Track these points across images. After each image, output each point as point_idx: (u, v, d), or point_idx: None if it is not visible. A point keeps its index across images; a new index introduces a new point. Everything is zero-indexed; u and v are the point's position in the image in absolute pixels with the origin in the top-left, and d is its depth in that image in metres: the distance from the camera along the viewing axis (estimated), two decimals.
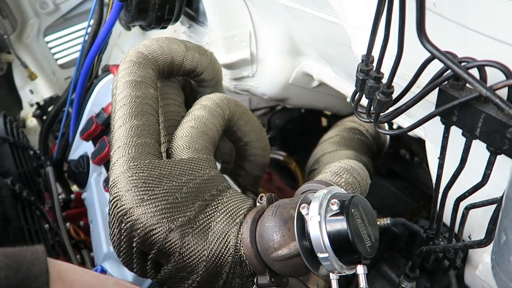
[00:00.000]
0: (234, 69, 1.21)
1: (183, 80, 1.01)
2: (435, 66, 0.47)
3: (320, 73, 1.10)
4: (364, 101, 0.59)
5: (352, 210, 0.49)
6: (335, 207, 0.49)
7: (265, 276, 0.56)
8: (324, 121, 1.65)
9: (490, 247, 0.57)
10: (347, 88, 1.03)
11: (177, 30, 1.56)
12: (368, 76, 0.54)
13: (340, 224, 0.48)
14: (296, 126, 1.51)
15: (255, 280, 0.58)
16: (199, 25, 1.26)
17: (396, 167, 1.37)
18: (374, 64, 0.54)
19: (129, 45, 1.81)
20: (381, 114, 0.55)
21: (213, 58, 0.96)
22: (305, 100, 1.29)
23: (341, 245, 0.48)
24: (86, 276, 0.46)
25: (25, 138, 1.08)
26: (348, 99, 1.13)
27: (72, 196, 1.20)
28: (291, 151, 1.49)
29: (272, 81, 1.20)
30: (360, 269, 0.50)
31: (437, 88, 0.48)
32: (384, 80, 0.53)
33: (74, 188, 1.35)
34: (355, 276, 0.91)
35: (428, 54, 0.46)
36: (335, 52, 0.93)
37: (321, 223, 0.49)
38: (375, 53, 0.54)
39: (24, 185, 0.87)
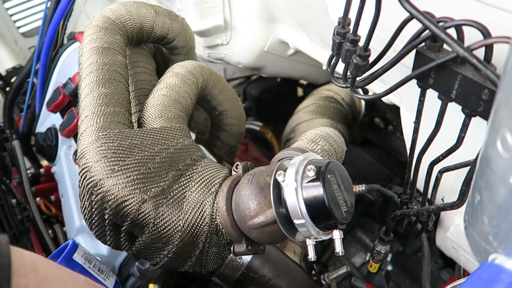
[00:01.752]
0: (207, 37, 1.17)
1: (154, 48, 0.97)
2: (411, 30, 0.46)
3: (296, 40, 1.07)
4: (340, 68, 0.58)
5: (329, 176, 0.49)
6: (311, 173, 0.48)
7: (242, 244, 0.56)
8: (300, 91, 1.64)
9: (461, 210, 0.59)
10: (323, 55, 1.01)
11: None
12: (345, 39, 0.52)
13: (317, 190, 0.48)
14: (272, 96, 1.50)
15: (231, 249, 0.57)
16: None
17: (370, 135, 1.39)
18: (351, 27, 0.53)
19: (97, 12, 1.71)
20: (358, 78, 0.54)
21: (185, 24, 0.92)
22: (281, 69, 1.27)
23: (318, 211, 0.48)
24: (59, 271, 0.43)
25: None
26: (324, 67, 1.12)
27: (42, 170, 1.16)
28: (267, 121, 1.48)
29: (247, 49, 1.17)
30: (336, 234, 0.50)
31: (414, 52, 0.47)
32: (361, 44, 0.52)
33: (44, 162, 1.30)
34: (331, 242, 0.93)
35: (405, 16, 0.44)
36: (311, 18, 0.90)
37: (297, 189, 0.48)
38: (352, 15, 0.53)
39: None
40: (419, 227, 0.74)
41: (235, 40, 1.16)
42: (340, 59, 0.54)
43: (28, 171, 1.12)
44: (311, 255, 0.52)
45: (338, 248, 0.50)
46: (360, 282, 0.91)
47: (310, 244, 0.52)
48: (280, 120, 1.57)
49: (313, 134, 0.70)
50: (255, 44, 1.14)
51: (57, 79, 1.09)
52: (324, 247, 0.93)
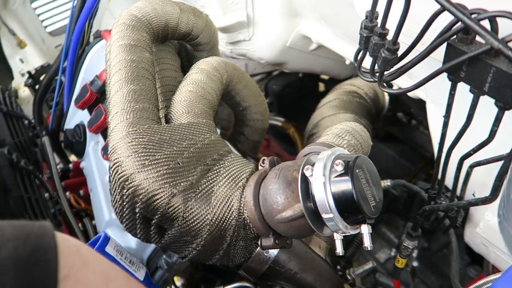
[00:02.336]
0: (230, 33, 1.17)
1: (178, 44, 0.98)
2: (442, 22, 0.46)
3: (319, 35, 1.07)
4: (367, 62, 0.57)
5: (357, 171, 0.49)
6: (339, 168, 0.49)
7: (269, 238, 0.57)
8: (321, 86, 1.63)
9: (492, 205, 0.58)
10: (347, 50, 1.01)
11: None
12: (373, 33, 0.52)
13: (345, 185, 0.48)
14: (294, 91, 1.50)
15: (259, 242, 0.58)
16: None
17: (393, 130, 1.37)
18: (379, 21, 0.52)
19: (120, 10, 1.74)
20: (385, 72, 0.54)
21: (209, 20, 0.93)
22: (303, 64, 1.26)
23: (346, 205, 0.48)
24: (100, 256, 0.44)
25: (19, 107, 1.06)
26: (348, 62, 1.11)
27: (70, 165, 1.19)
28: (288, 117, 1.48)
29: (269, 45, 1.17)
30: (365, 229, 0.50)
31: (444, 44, 0.46)
32: (389, 37, 0.51)
33: (72, 157, 1.34)
34: (355, 237, 0.93)
35: (435, 8, 0.44)
36: (335, 12, 0.90)
37: (325, 184, 0.49)
38: (379, 9, 0.52)
39: (21, 155, 0.86)
40: (446, 223, 0.73)
41: (258, 36, 1.17)
42: (368, 53, 0.54)
43: (58, 166, 1.15)
44: (339, 249, 0.52)
45: (367, 242, 0.50)
46: (385, 277, 0.90)
47: (338, 238, 0.52)
48: (301, 115, 1.56)
49: (339, 129, 0.70)
50: (277, 39, 1.14)
51: (84, 77, 1.12)
52: (349, 242, 0.93)
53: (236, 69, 0.86)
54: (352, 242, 0.94)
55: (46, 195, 0.85)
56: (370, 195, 0.50)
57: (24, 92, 1.57)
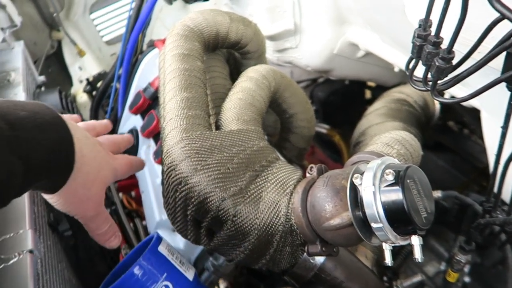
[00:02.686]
0: (277, 41, 1.19)
1: (227, 53, 1.01)
2: (500, 30, 0.44)
3: (367, 42, 1.06)
4: (418, 71, 0.57)
5: (408, 181, 0.48)
6: (390, 177, 0.48)
7: (316, 245, 0.57)
8: (368, 93, 1.61)
9: None
10: (396, 57, 0.99)
11: (218, 3, 1.55)
12: (426, 41, 0.51)
13: (396, 195, 0.48)
14: (339, 99, 1.49)
15: (305, 249, 0.59)
16: None
17: (444, 139, 1.32)
18: (432, 29, 0.52)
19: (171, 19, 1.82)
20: (439, 82, 0.53)
21: (257, 29, 0.95)
22: (349, 71, 1.26)
23: (396, 215, 0.48)
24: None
25: (79, 112, 1.13)
26: (396, 69, 1.09)
27: None
28: (333, 124, 1.48)
29: (316, 52, 1.17)
30: (415, 240, 0.49)
31: (503, 53, 0.45)
32: (443, 46, 0.50)
33: None
34: (402, 248, 0.91)
35: (493, 16, 0.43)
36: (385, 19, 0.89)
37: (375, 193, 0.48)
38: (433, 17, 0.52)
39: None
40: (502, 238, 0.69)
41: (304, 43, 1.17)
42: (420, 62, 0.53)
43: None
44: (388, 260, 0.52)
45: (418, 254, 0.49)
46: None
47: (387, 248, 0.52)
48: (347, 123, 1.55)
49: (388, 137, 0.69)
50: (324, 47, 1.14)
51: (137, 84, 1.17)
52: (396, 253, 0.91)
53: (284, 76, 0.88)
54: (399, 253, 0.91)
55: None
56: (421, 206, 0.49)
57: (82, 98, 1.67)
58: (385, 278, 0.78)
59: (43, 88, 1.19)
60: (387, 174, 0.48)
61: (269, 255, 0.62)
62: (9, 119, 0.44)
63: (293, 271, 0.63)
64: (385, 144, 0.67)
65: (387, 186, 0.48)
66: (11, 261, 0.53)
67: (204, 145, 0.62)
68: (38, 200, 0.70)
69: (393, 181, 0.48)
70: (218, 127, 0.71)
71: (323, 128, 1.42)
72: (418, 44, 0.53)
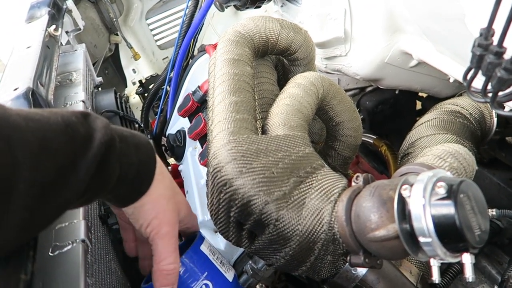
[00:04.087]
0: (327, 48, 1.19)
1: (275, 59, 1.02)
2: None
3: (421, 51, 1.03)
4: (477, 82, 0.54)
5: (461, 196, 0.46)
6: (441, 191, 0.46)
7: (359, 256, 0.56)
8: (418, 105, 1.55)
9: None
10: (451, 67, 0.95)
11: (268, 10, 1.57)
12: (487, 51, 0.49)
13: (447, 209, 0.46)
14: (388, 109, 1.45)
15: (348, 259, 0.58)
16: (292, 3, 1.25)
17: (500, 155, 1.25)
18: (494, 38, 0.49)
19: (222, 26, 1.87)
20: (500, 93, 0.50)
21: (308, 36, 0.95)
22: (400, 81, 1.22)
23: (447, 231, 0.46)
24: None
25: (132, 112, 1.19)
26: (451, 80, 1.05)
27: (169, 168, 1.30)
28: (380, 134, 1.44)
29: (366, 61, 1.15)
30: (467, 258, 0.47)
31: None
32: (506, 56, 0.48)
33: (171, 161, 1.45)
34: (449, 266, 0.87)
35: None
36: (441, 28, 0.86)
37: (425, 206, 0.47)
38: (495, 25, 0.49)
39: None
40: None
41: (355, 51, 1.16)
42: (480, 72, 0.51)
43: None
44: (435, 277, 0.50)
45: (469, 273, 0.46)
46: None
47: (435, 264, 0.50)
48: (395, 134, 1.51)
49: (441, 150, 0.66)
50: (375, 55, 1.12)
51: (187, 87, 1.21)
52: (442, 271, 0.87)
53: (332, 84, 0.87)
54: (446, 271, 0.87)
55: None
56: (475, 223, 0.47)
57: (134, 99, 1.75)
58: None
59: (100, 89, 1.26)
60: (439, 187, 0.47)
61: (310, 262, 0.61)
62: (118, 134, 0.55)
63: (333, 281, 0.62)
64: (436, 156, 0.64)
65: (438, 199, 0.47)
66: (65, 249, 0.56)
67: (250, 148, 0.63)
68: None
69: (445, 195, 0.46)
70: (264, 132, 0.72)
71: (369, 138, 1.38)
72: (478, 53, 0.51)
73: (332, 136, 0.93)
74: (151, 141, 0.64)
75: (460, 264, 0.49)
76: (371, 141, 1.36)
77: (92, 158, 0.48)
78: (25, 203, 0.40)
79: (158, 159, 0.64)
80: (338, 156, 0.94)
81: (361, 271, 0.61)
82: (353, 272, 0.61)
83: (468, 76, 0.56)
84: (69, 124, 0.47)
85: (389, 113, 1.44)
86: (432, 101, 1.37)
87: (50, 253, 0.56)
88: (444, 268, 0.88)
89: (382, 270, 0.61)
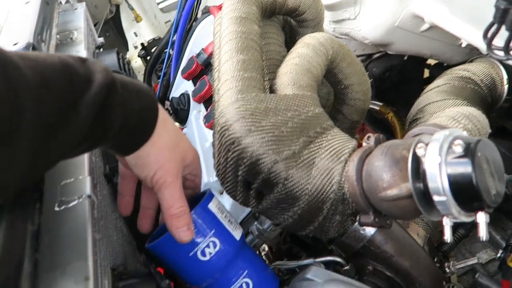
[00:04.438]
0: (335, 10, 1.15)
1: (283, 20, 0.99)
2: None
3: (433, 14, 0.99)
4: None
5: (478, 154, 0.45)
6: (458, 149, 0.45)
7: (369, 216, 0.55)
8: (426, 72, 1.52)
9: None
10: (466, 31, 0.92)
11: None
12: None
13: (464, 168, 0.44)
14: (395, 75, 1.42)
15: (357, 219, 0.57)
16: None
17: (508, 124, 1.23)
18: None
19: None
20: None
21: None
22: (410, 46, 1.19)
23: (462, 189, 0.45)
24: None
25: (134, 74, 1.16)
26: (464, 44, 1.02)
27: None
28: (387, 102, 1.41)
29: (376, 24, 1.12)
30: (481, 217, 0.46)
31: None
32: None
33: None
34: (455, 231, 0.87)
35: None
36: None
37: (441, 164, 0.46)
38: None
39: None
40: None
41: (364, 14, 1.12)
42: (504, 27, 0.49)
43: None
44: (447, 236, 0.49)
45: (482, 232, 0.46)
46: (486, 279, 0.83)
47: (447, 224, 0.49)
48: (402, 101, 1.48)
49: (454, 112, 0.65)
50: (385, 18, 1.08)
51: (191, 50, 1.18)
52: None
53: (342, 46, 0.84)
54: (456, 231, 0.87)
55: None
56: (491, 183, 0.46)
57: (136, 63, 1.72)
58: (435, 259, 0.75)
59: (101, 49, 1.22)
60: (456, 145, 0.45)
61: (318, 222, 0.61)
62: (119, 79, 0.53)
63: (341, 241, 0.62)
64: (451, 117, 0.63)
65: (455, 158, 0.45)
66: (71, 204, 0.56)
67: (259, 107, 0.61)
68: (96, 152, 0.73)
69: (462, 153, 0.45)
70: (272, 92, 0.70)
71: (375, 105, 1.36)
72: (502, 7, 0.48)
73: (340, 99, 0.91)
74: None
75: (473, 224, 0.48)
76: (377, 108, 1.34)
77: (94, 99, 0.46)
78: (30, 145, 0.39)
79: (160, 106, 0.62)
80: (345, 120, 0.92)
81: (369, 231, 0.60)
82: (361, 232, 0.60)
83: (490, 33, 0.54)
84: (67, 65, 0.46)
85: (396, 80, 1.41)
86: (440, 69, 1.34)
87: (56, 208, 0.55)
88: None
89: (390, 231, 0.61)
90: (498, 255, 0.83)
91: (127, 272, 0.60)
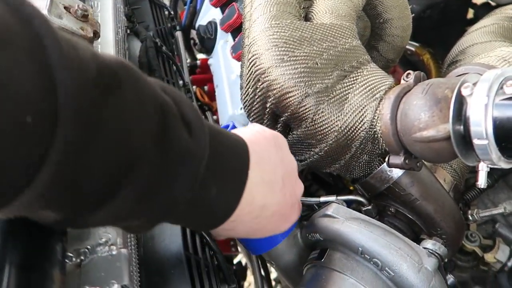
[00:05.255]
0: None
1: None
2: None
3: None
4: None
5: None
6: (510, 90, 0.42)
7: (399, 157, 0.53)
8: (470, 13, 1.41)
9: None
10: None
11: None
12: None
13: None
14: (437, 14, 1.31)
15: (386, 159, 0.55)
16: None
17: None
18: None
19: None
20: None
21: None
22: None
23: (508, 134, 0.42)
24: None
25: None
26: None
27: (198, 62, 1.25)
28: (424, 43, 1.33)
29: None
30: None
31: None
32: None
33: (199, 56, 1.40)
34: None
35: None
36: None
37: (487, 106, 0.42)
38: None
39: (162, 42, 0.92)
40: None
41: None
42: None
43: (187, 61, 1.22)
44: (482, 181, 0.47)
45: None
46: (506, 229, 0.82)
47: (483, 169, 0.47)
48: (440, 43, 1.39)
49: (506, 51, 0.59)
50: None
51: None
52: (469, 186, 0.85)
53: None
54: (474, 185, 0.85)
55: (180, 82, 0.91)
56: None
57: None
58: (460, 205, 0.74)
59: None
60: (508, 86, 0.42)
61: (344, 160, 0.60)
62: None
63: (366, 181, 0.61)
64: (501, 58, 0.58)
65: (504, 99, 0.42)
66: None
67: (293, 35, 0.57)
68: None
69: None
70: (308, 20, 0.65)
71: (411, 46, 1.28)
72: None
73: (377, 35, 0.85)
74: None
75: (500, 174, 0.46)
76: (413, 49, 1.27)
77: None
78: None
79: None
80: (380, 58, 0.87)
81: (397, 173, 0.59)
82: (388, 173, 0.59)
83: None
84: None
85: (437, 20, 1.31)
86: (487, 9, 1.23)
87: None
88: (472, 183, 0.86)
89: (417, 174, 0.59)
90: None
91: None
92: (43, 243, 0.37)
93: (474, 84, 0.45)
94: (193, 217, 0.40)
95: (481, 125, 0.43)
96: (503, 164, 0.45)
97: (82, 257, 0.41)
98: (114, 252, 0.42)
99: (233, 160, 0.41)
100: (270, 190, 0.45)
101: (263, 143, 0.46)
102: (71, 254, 0.40)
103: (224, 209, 0.41)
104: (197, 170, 0.35)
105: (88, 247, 0.42)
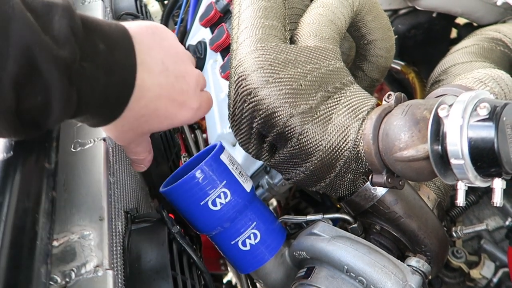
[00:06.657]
0: None
1: None
2: None
3: None
4: None
5: (504, 119, 0.43)
6: (483, 112, 0.43)
7: (382, 175, 0.55)
8: (454, 33, 1.45)
9: None
10: None
11: None
12: None
13: (487, 132, 0.43)
14: (421, 34, 1.35)
15: (369, 178, 0.57)
16: None
17: None
18: None
19: None
20: None
21: None
22: (441, 2, 1.12)
23: (482, 154, 0.44)
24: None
25: (151, 18, 1.13)
26: (499, 2, 0.96)
27: None
28: (409, 62, 1.36)
29: None
30: (498, 183, 0.45)
31: None
32: None
33: None
34: (466, 197, 0.86)
35: None
36: None
37: (462, 127, 0.44)
38: None
39: None
40: None
41: None
42: None
43: None
44: (460, 200, 0.49)
45: (497, 198, 0.45)
46: (491, 246, 0.84)
47: (461, 188, 0.48)
48: (425, 61, 1.43)
49: (482, 73, 0.62)
50: None
51: None
52: (454, 203, 0.87)
53: None
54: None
55: None
56: None
57: (153, 7, 1.67)
58: (443, 223, 0.75)
59: None
60: (481, 108, 0.43)
61: (329, 179, 0.61)
62: (85, 50, 0.41)
63: (351, 199, 0.62)
64: (477, 79, 0.60)
65: (478, 121, 0.44)
66: (87, 146, 0.56)
67: (278, 57, 0.59)
68: None
69: (487, 116, 0.43)
70: (293, 43, 0.67)
71: (397, 64, 1.31)
72: None
73: (361, 55, 0.88)
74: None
75: (483, 190, 0.48)
76: (399, 68, 1.30)
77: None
78: None
79: (151, 69, 0.47)
80: (365, 78, 0.90)
81: (380, 191, 0.60)
82: (372, 191, 0.60)
83: None
84: None
85: (421, 39, 1.35)
86: (469, 29, 1.27)
87: (72, 149, 0.56)
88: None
89: (401, 192, 0.60)
90: (507, 223, 0.83)
91: (140, 215, 0.61)
92: (27, 264, 0.37)
93: (451, 105, 0.47)
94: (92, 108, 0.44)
95: (457, 145, 0.44)
96: (479, 183, 0.47)
97: (67, 279, 0.41)
98: (100, 274, 0.42)
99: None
100: (147, 71, 0.47)
101: (135, 27, 0.48)
102: (56, 276, 0.41)
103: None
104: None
105: (74, 268, 0.42)
